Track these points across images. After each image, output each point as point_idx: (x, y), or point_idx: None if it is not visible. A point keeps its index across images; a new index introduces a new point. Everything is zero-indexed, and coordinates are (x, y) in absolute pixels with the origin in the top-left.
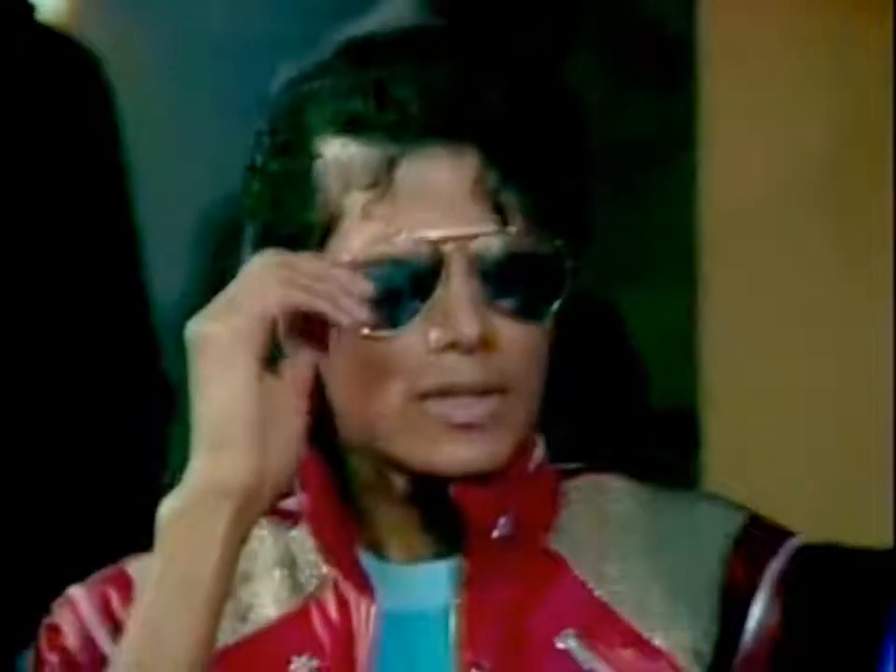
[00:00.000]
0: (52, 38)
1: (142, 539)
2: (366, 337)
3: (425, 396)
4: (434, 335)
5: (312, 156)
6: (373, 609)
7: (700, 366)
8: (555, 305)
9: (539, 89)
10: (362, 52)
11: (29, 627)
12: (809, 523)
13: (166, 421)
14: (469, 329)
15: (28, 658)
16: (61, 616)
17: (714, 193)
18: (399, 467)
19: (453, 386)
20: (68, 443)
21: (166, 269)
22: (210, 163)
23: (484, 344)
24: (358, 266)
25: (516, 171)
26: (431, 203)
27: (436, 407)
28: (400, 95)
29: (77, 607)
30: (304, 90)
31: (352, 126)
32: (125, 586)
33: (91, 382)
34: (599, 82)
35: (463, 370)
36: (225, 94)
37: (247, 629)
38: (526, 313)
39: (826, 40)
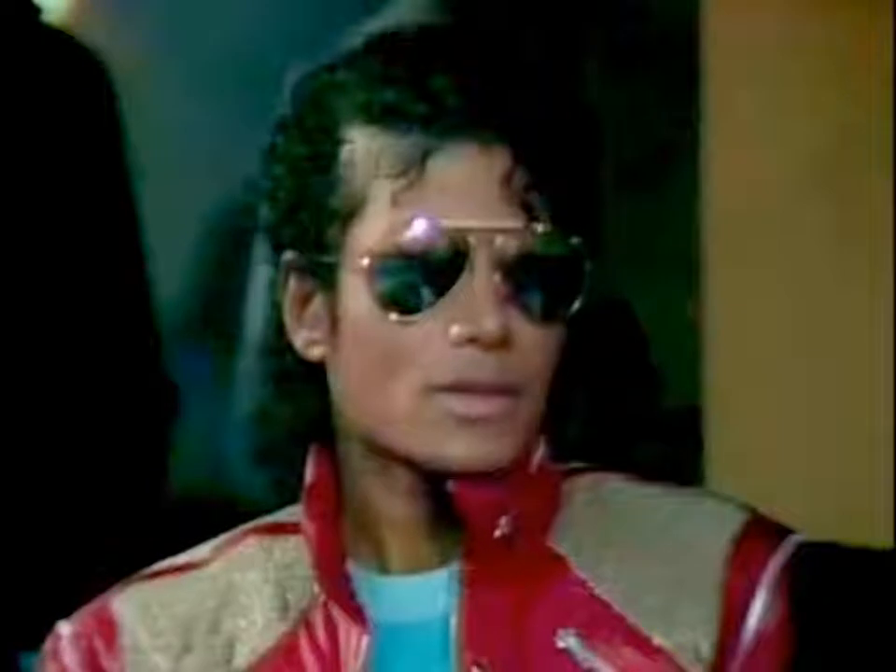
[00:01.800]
0: (57, 40)
1: (142, 540)
2: (387, 324)
3: (438, 389)
4: (455, 329)
5: (338, 142)
6: (364, 640)
7: (703, 365)
8: (574, 307)
9: (565, 93)
10: (394, 46)
11: (30, 628)
12: (809, 523)
13: (169, 422)
14: (490, 324)
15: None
16: (51, 668)
17: (716, 193)
18: (404, 460)
19: (468, 382)
20: (70, 443)
21: (169, 269)
22: (213, 164)
23: (504, 342)
24: (380, 254)
25: (545, 172)
26: (460, 196)
27: (448, 401)
28: (436, 87)
29: (62, 660)
30: (331, 79)
31: (385, 115)
32: (110, 632)
33: (93, 382)
34: (601, 82)
35: (480, 366)
36: (227, 95)
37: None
38: (546, 313)
39: (826, 40)
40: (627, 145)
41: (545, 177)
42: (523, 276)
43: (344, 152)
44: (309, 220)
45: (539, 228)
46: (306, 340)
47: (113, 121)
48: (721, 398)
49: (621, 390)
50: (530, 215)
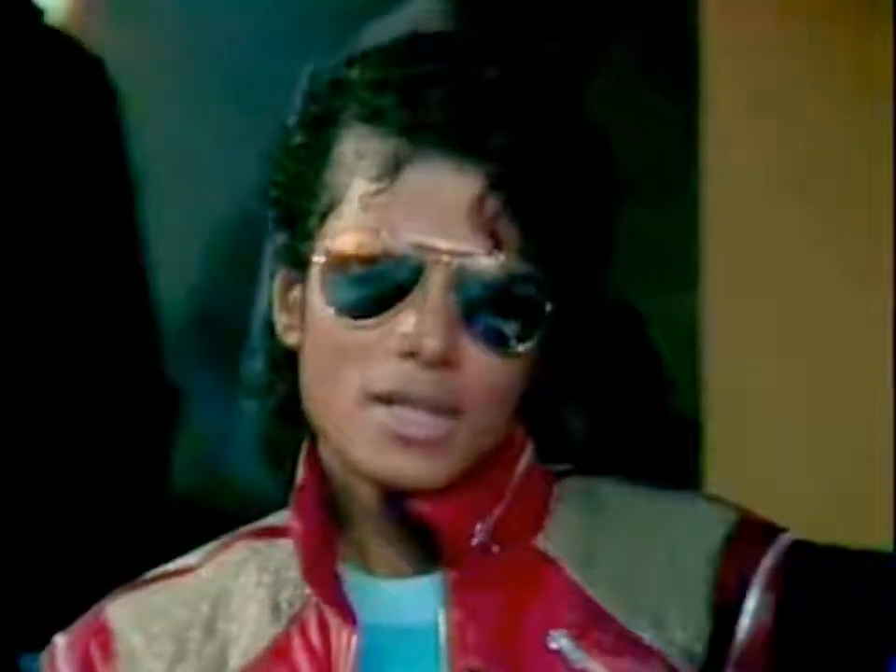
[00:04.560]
0: (58, 42)
1: (142, 542)
2: (338, 324)
3: (375, 398)
4: (398, 341)
5: (334, 136)
6: (354, 640)
7: (701, 369)
8: (527, 345)
9: (564, 131)
10: (405, 51)
11: (30, 628)
12: (809, 523)
13: (171, 425)
14: (431, 343)
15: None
16: None
17: (716, 197)
18: (353, 469)
19: (404, 394)
20: (72, 446)
21: (171, 271)
22: (215, 165)
23: (445, 362)
24: (338, 255)
25: (518, 204)
26: (427, 212)
27: (382, 414)
28: (425, 99)
29: (59, 669)
30: (342, 75)
31: (374, 118)
32: (105, 640)
33: (95, 386)
34: (601, 83)
35: (418, 381)
36: (229, 96)
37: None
38: (496, 344)
39: (826, 42)
40: (627, 146)
41: (520, 210)
42: (477, 304)
43: (337, 147)
44: (297, 207)
45: (501, 258)
46: (285, 325)
47: (114, 123)
48: (720, 399)
49: (631, 397)
50: (494, 243)
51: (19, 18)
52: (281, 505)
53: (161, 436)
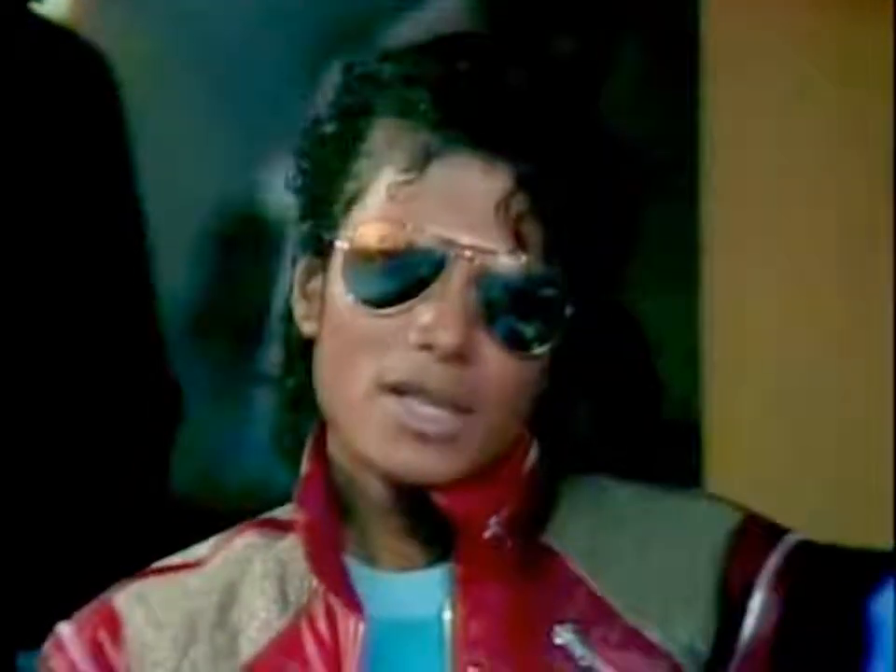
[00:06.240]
0: (57, 35)
1: (143, 540)
2: (357, 312)
3: (388, 389)
4: (415, 333)
5: (365, 127)
6: (361, 628)
7: (701, 369)
8: (545, 347)
9: (591, 133)
10: (440, 49)
11: (29, 627)
12: (810, 523)
13: (172, 423)
14: (447, 337)
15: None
16: (55, 662)
17: (716, 198)
18: (361, 461)
19: (418, 386)
20: (72, 443)
21: (173, 266)
22: (215, 161)
23: (461, 358)
24: (361, 243)
25: (543, 205)
26: (453, 207)
27: (393, 405)
28: (457, 95)
29: (68, 653)
30: (376, 69)
31: (406, 112)
32: (114, 626)
33: (96, 383)
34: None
35: (431, 373)
36: (233, 92)
37: (238, 664)
38: (514, 345)
39: (827, 41)
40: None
41: (546, 212)
42: (498, 304)
43: (367, 138)
44: (322, 195)
45: (523, 259)
46: (303, 313)
47: (116, 119)
48: (719, 397)
49: (624, 400)
50: (518, 244)
51: (15, 14)
52: (282, 504)
53: (161, 433)
